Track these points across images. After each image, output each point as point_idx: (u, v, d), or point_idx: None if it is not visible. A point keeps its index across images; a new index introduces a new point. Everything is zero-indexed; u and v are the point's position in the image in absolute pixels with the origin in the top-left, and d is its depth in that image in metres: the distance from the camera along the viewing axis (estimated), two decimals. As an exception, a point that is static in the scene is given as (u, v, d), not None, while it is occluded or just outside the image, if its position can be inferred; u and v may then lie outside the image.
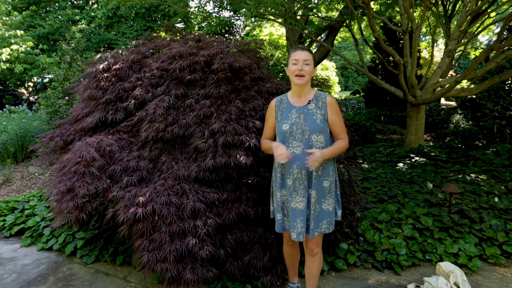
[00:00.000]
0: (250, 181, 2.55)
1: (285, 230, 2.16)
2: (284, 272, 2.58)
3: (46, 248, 3.24)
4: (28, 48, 10.65)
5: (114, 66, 2.93)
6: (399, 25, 9.26)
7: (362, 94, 12.88)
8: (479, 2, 5.10)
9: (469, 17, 5.15)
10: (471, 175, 4.51)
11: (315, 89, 3.09)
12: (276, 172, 2.15)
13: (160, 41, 3.19)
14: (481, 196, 3.83)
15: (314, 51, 10.58)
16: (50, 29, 12.31)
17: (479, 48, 13.27)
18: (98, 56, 3.17)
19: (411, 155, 5.49)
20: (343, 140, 2.08)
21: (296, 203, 2.04)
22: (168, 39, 3.25)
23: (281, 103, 2.14)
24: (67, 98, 5.19)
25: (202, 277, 2.21)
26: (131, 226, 2.24)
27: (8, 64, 10.40)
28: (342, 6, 6.86)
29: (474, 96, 8.29)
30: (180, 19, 11.30)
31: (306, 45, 9.37)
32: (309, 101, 2.08)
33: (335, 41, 11.30)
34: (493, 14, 7.75)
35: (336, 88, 19.99)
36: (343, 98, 16.79)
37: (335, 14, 8.90)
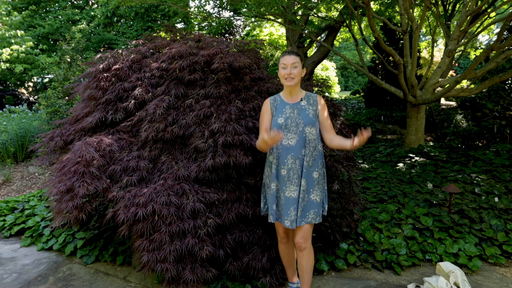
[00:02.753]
0: (249, 182, 2.54)
1: (278, 219, 2.25)
2: (283, 273, 2.58)
3: (46, 248, 3.24)
4: (28, 48, 10.65)
5: (114, 66, 2.93)
6: (399, 25, 9.26)
7: (362, 94, 12.89)
8: (479, 2, 5.10)
9: (469, 17, 5.14)
10: (471, 175, 4.51)
11: (315, 89, 3.10)
12: (271, 165, 2.23)
13: (160, 41, 3.19)
14: (481, 196, 3.83)
15: (314, 51, 10.59)
16: (50, 29, 12.31)
17: (479, 48, 13.26)
18: (98, 56, 3.17)
19: (411, 155, 5.49)
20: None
21: (290, 192, 2.15)
22: (168, 39, 3.25)
23: (275, 101, 2.28)
24: (67, 98, 5.18)
25: (201, 277, 2.21)
26: (131, 226, 2.24)
27: (8, 64, 10.39)
28: (342, 6, 6.86)
29: (474, 96, 8.29)
30: (180, 19, 11.30)
31: (306, 45, 9.37)
32: (302, 98, 2.24)
33: (335, 42, 11.31)
34: (493, 14, 7.75)
35: (336, 88, 20.00)
36: (343, 98, 16.79)
37: (335, 14, 8.90)
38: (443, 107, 10.39)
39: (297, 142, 2.15)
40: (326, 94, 3.29)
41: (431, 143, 6.85)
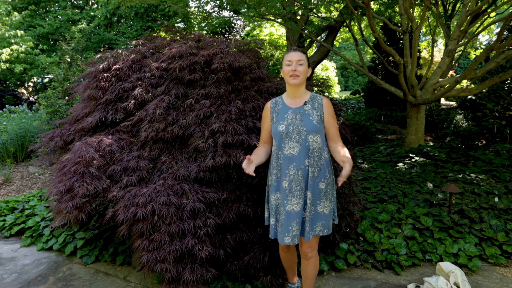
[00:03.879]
0: (250, 181, 2.54)
1: (277, 236, 2.07)
2: (284, 272, 2.58)
3: (46, 248, 3.24)
4: (28, 48, 10.65)
5: (114, 66, 2.94)
6: (399, 25, 9.26)
7: (362, 94, 12.88)
8: (479, 2, 5.10)
9: (469, 17, 5.15)
10: (471, 175, 4.51)
11: (315, 89, 3.10)
12: (271, 175, 2.10)
13: (160, 41, 3.19)
14: (481, 196, 3.83)
15: (314, 51, 10.59)
16: (50, 29, 12.31)
17: (479, 48, 13.27)
18: (98, 56, 3.17)
19: (411, 155, 5.49)
20: (345, 147, 2.05)
21: (292, 205, 1.99)
22: (168, 39, 3.25)
23: (276, 105, 2.11)
24: (67, 98, 5.19)
25: (201, 278, 2.21)
26: (131, 226, 2.24)
27: (8, 64, 10.39)
28: (342, 6, 6.87)
29: (474, 97, 8.29)
30: (180, 19, 11.31)
31: (306, 45, 9.37)
32: (305, 102, 2.06)
33: (335, 42, 11.31)
34: (493, 14, 7.75)
35: (336, 88, 20.00)
36: (343, 98, 16.79)
37: (335, 14, 8.90)
38: (443, 107, 10.39)
39: (299, 151, 1.99)
40: (326, 94, 3.29)
41: (431, 143, 6.85)
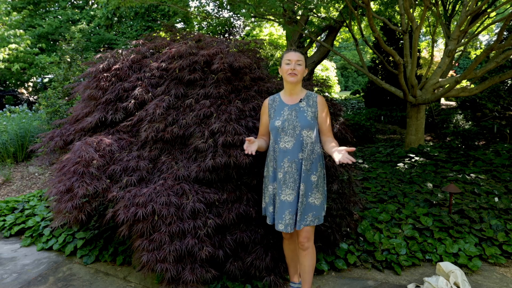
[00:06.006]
0: (250, 182, 2.54)
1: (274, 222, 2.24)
2: (286, 272, 2.58)
3: (46, 248, 3.24)
4: (27, 48, 10.63)
5: (114, 66, 2.93)
6: (399, 25, 9.26)
7: (362, 94, 12.89)
8: (479, 2, 5.10)
9: (469, 17, 5.15)
10: (471, 175, 4.51)
11: (315, 89, 3.10)
12: (269, 167, 2.23)
13: (160, 41, 3.19)
14: (481, 196, 3.83)
15: (314, 51, 10.59)
16: (50, 28, 12.30)
17: (479, 48, 13.27)
18: (98, 56, 3.17)
19: (411, 155, 5.49)
20: (335, 141, 2.18)
21: (286, 195, 2.12)
22: (168, 39, 3.25)
23: (274, 102, 2.25)
24: (67, 98, 5.18)
25: (201, 278, 2.21)
26: (131, 226, 2.24)
27: (6, 64, 10.38)
28: (342, 6, 6.86)
29: (474, 96, 8.29)
30: (180, 19, 11.30)
31: (306, 45, 9.38)
32: (301, 99, 2.20)
33: (335, 42, 11.31)
34: (493, 14, 7.75)
35: (336, 88, 20.01)
36: (343, 98, 16.78)
37: (335, 14, 8.90)
38: (443, 107, 10.39)
39: (293, 145, 2.12)
40: (326, 94, 3.29)
41: (431, 143, 6.85)
